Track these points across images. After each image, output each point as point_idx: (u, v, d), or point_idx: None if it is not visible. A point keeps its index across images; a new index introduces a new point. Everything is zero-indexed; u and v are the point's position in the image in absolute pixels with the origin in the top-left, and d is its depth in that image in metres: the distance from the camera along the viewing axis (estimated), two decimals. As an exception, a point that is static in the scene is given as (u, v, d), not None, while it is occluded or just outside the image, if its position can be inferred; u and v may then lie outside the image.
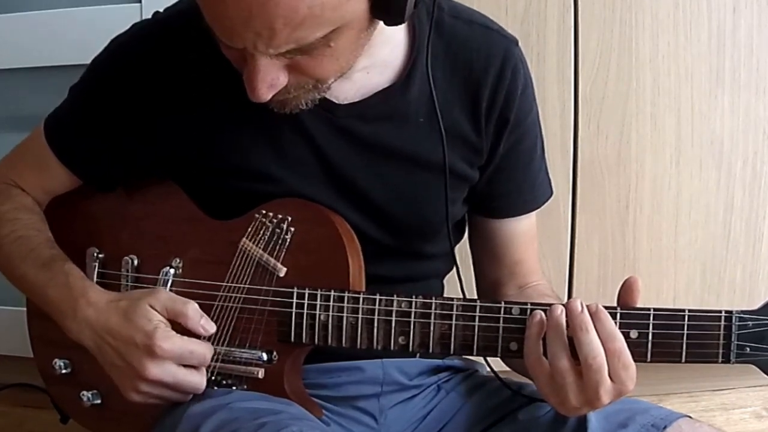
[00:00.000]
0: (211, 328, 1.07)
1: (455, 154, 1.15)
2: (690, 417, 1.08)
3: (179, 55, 1.11)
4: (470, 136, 1.16)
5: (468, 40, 1.15)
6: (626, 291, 0.99)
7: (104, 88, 1.15)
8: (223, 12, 0.89)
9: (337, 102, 1.10)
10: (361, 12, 0.94)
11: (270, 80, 0.96)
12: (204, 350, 1.05)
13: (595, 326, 0.95)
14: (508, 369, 1.18)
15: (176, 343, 1.03)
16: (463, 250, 1.31)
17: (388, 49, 1.11)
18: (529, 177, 1.24)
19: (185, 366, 1.05)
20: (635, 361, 0.97)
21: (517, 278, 1.26)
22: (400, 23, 0.99)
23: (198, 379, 1.06)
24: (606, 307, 0.97)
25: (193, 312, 1.06)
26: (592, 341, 0.94)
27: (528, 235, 1.27)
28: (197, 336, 1.06)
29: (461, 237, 1.30)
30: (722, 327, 0.95)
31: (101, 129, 1.16)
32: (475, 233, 1.28)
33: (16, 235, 1.17)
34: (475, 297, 1.21)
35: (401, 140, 1.13)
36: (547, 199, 1.28)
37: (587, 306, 0.96)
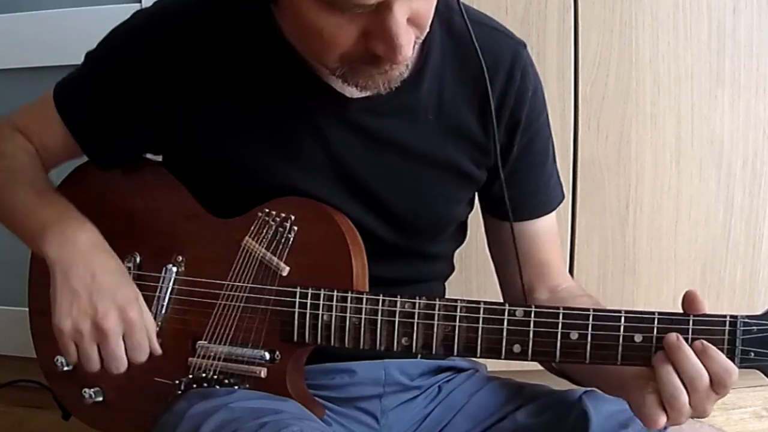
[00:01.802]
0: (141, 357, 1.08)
1: (462, 153, 1.15)
2: (690, 417, 1.08)
3: (195, 45, 1.11)
4: (478, 136, 1.16)
5: (477, 40, 1.14)
6: (688, 306, 0.98)
7: (122, 67, 1.13)
8: None
9: (348, 96, 1.09)
10: None
11: (407, 34, 0.94)
12: (149, 347, 1.08)
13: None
14: (508, 369, 1.19)
15: (148, 320, 1.07)
16: (463, 251, 1.31)
17: None
18: (543, 178, 1.24)
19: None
20: (640, 365, 0.97)
21: (547, 280, 1.24)
22: None
23: (123, 362, 1.06)
24: (609, 311, 0.98)
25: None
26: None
27: (550, 234, 1.26)
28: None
29: (464, 239, 1.30)
30: (727, 332, 0.95)
31: (113, 108, 1.15)
32: (497, 239, 1.26)
33: (12, 168, 1.17)
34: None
35: (409, 136, 1.13)
36: (560, 202, 1.27)
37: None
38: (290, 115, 1.08)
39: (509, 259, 1.24)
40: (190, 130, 1.13)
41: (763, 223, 1.75)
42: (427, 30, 0.99)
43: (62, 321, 1.04)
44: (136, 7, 1.67)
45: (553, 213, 1.26)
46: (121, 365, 1.06)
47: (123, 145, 1.18)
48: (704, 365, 0.93)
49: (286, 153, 1.11)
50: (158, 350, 1.09)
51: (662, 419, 0.94)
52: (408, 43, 0.94)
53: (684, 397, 0.93)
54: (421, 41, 1.01)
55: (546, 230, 1.25)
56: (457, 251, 1.31)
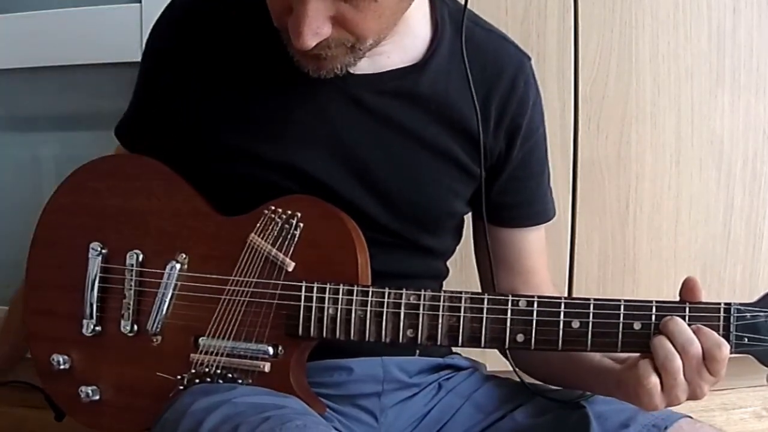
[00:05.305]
0: None
1: (458, 145, 1.17)
2: (690, 417, 1.09)
3: (209, 30, 1.16)
4: (476, 135, 1.17)
5: (484, 44, 1.18)
6: (687, 292, 1.03)
7: (151, 50, 1.20)
8: None
9: (351, 71, 1.10)
10: None
11: (316, 27, 0.97)
12: None
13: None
14: (507, 368, 1.18)
15: None
16: (463, 251, 1.32)
17: (409, 39, 1.15)
18: (540, 190, 1.27)
19: None
20: (638, 351, 1.01)
21: (531, 286, 1.27)
22: None
23: None
24: (609, 300, 1.02)
25: None
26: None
27: (539, 243, 1.29)
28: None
29: (458, 243, 1.31)
30: (721, 318, 0.99)
31: (149, 92, 1.21)
32: (487, 244, 1.27)
33: None
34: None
35: (408, 118, 1.15)
36: (553, 218, 1.30)
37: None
38: (291, 86, 1.10)
39: (497, 262, 1.27)
40: (204, 108, 1.17)
41: (763, 223, 1.74)
42: (369, 40, 1.03)
43: None
44: (136, 7, 1.68)
45: (543, 227, 1.29)
46: None
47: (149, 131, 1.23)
48: (697, 339, 0.97)
49: (282, 119, 1.13)
50: None
51: (653, 380, 0.97)
52: (311, 34, 0.97)
53: (677, 361, 0.96)
54: (364, 47, 1.04)
55: (536, 239, 1.28)
56: (457, 251, 1.31)
